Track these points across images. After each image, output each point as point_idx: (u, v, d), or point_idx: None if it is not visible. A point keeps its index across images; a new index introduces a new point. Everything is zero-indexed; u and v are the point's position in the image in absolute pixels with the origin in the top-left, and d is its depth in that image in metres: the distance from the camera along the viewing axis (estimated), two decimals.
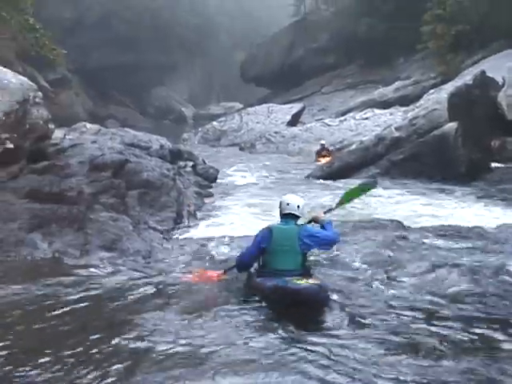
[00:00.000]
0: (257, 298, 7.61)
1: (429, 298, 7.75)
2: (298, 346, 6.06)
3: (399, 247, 10.61)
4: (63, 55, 29.68)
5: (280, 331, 6.44)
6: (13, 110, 13.86)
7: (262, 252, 8.16)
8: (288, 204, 8.39)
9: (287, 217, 8.35)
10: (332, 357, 5.81)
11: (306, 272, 8.07)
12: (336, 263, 9.75)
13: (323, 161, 29.01)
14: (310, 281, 7.44)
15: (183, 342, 6.21)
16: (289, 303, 7.02)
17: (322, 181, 22.94)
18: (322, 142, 31.63)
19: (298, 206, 8.36)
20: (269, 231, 8.20)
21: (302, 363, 5.63)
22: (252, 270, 8.50)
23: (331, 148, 31.70)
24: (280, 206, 8.51)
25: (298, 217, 8.37)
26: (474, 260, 9.39)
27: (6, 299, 7.83)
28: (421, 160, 21.27)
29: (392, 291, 8.04)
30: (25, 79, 15.40)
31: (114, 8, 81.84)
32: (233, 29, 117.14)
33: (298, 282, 7.30)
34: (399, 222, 13.11)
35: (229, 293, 8.16)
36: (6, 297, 7.93)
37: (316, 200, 18.15)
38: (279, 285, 7.29)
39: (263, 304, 7.38)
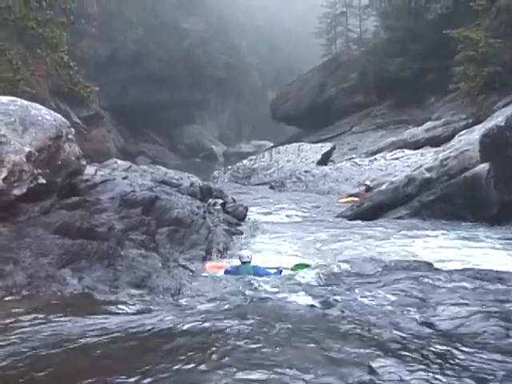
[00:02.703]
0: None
1: (459, 342, 7.63)
2: None
3: (430, 290, 10.50)
4: (96, 92, 29.99)
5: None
6: (46, 146, 14.00)
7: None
8: (243, 257, 14.05)
9: (245, 263, 13.94)
10: None
11: None
12: (367, 303, 9.67)
13: (347, 199, 29.10)
14: None
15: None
16: None
17: (350, 221, 22.80)
18: (367, 182, 31.48)
19: (248, 256, 14.05)
20: (238, 268, 13.89)
21: None
22: None
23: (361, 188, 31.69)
24: (240, 258, 14.17)
25: (249, 262, 13.98)
26: (506, 306, 9.24)
27: (36, 334, 7.83)
28: (452, 201, 21.11)
29: (425, 335, 7.92)
30: (58, 116, 15.57)
31: (146, 46, 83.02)
32: (263, 68, 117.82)
33: None
34: (429, 264, 13.00)
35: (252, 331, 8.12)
36: (35, 331, 7.93)
37: (340, 239, 18.31)
38: None
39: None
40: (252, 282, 11.95)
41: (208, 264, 15.37)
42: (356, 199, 28.02)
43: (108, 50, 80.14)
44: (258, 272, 13.66)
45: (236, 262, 14.68)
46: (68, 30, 28.00)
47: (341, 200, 30.19)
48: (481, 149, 21.06)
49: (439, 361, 6.86)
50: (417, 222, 21.02)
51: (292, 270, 14.00)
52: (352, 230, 20.36)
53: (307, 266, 14.11)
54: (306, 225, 22.77)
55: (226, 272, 13.98)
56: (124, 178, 18.40)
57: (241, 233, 19.83)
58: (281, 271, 13.96)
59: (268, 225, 22.86)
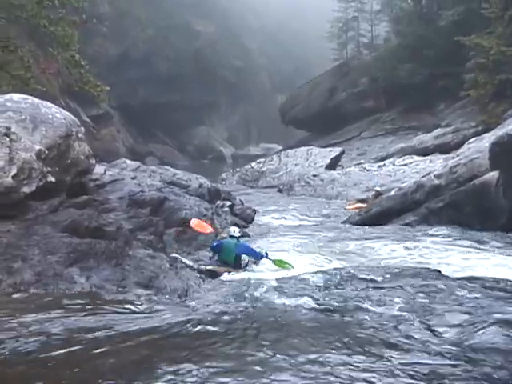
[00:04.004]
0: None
1: (466, 352, 7.60)
2: None
3: (437, 296, 10.49)
4: (106, 92, 29.96)
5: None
6: (56, 144, 14.07)
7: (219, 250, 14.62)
8: (232, 232, 15.00)
9: (232, 237, 14.78)
10: None
11: (237, 264, 14.49)
12: (373, 309, 9.66)
13: (354, 206, 28.98)
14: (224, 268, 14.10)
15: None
16: None
17: (358, 227, 22.71)
18: (378, 188, 31.32)
19: (234, 231, 15.02)
20: (222, 243, 14.77)
21: None
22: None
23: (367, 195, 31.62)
24: (228, 232, 15.22)
25: (237, 237, 14.84)
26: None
27: (43, 331, 7.86)
28: (460, 209, 21.03)
29: (429, 342, 7.91)
30: (68, 114, 15.66)
31: (156, 46, 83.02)
32: (273, 71, 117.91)
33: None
34: (437, 271, 12.97)
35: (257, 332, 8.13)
36: (42, 328, 7.96)
37: (347, 244, 18.35)
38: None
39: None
40: (259, 284, 11.98)
41: (193, 221, 16.08)
42: (364, 205, 27.90)
43: (119, 50, 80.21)
44: (241, 249, 14.75)
45: None
46: (80, 29, 27.93)
47: (349, 206, 30.09)
48: (490, 157, 20.99)
49: (442, 369, 6.87)
50: (425, 229, 20.94)
51: (273, 262, 15.04)
52: (359, 236, 20.32)
53: (286, 264, 15.02)
54: (313, 229, 22.74)
55: (212, 248, 15.04)
56: (133, 178, 18.48)
57: (248, 235, 19.82)
58: (266, 255, 15.07)
59: (275, 228, 22.88)
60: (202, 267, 13.93)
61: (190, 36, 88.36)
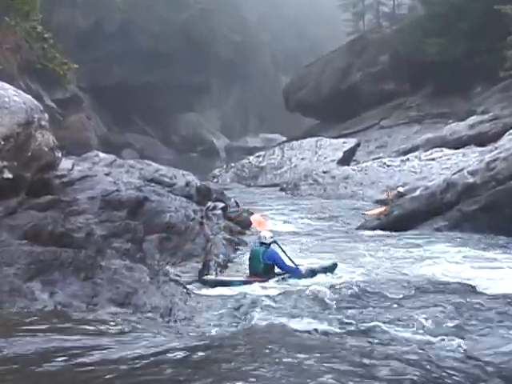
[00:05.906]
0: None
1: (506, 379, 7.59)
2: None
3: (471, 317, 10.48)
4: (74, 71, 29.82)
5: None
6: (13, 134, 13.99)
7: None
8: (260, 237, 15.71)
9: (261, 243, 15.44)
10: None
11: (266, 275, 15.02)
12: (393, 331, 9.65)
13: (375, 211, 28.79)
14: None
15: None
16: None
17: (376, 233, 22.65)
18: (400, 189, 31.14)
19: (265, 237, 15.58)
20: (250, 251, 15.92)
21: None
22: None
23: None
24: (259, 238, 15.75)
25: (268, 244, 15.39)
26: None
27: None
28: (499, 212, 20.98)
29: (467, 370, 7.87)
30: (29, 98, 15.56)
31: (136, 16, 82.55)
32: (276, 48, 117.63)
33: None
34: (471, 287, 12.96)
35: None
36: None
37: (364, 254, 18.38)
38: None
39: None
40: (256, 300, 11.99)
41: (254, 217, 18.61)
42: (384, 209, 27.73)
43: (90, 20, 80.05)
44: (268, 257, 15.19)
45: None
46: None
47: (368, 212, 29.92)
48: None
49: None
50: (456, 236, 20.93)
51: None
52: (378, 244, 20.31)
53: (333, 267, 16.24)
54: (323, 236, 22.72)
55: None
56: (107, 175, 18.50)
57: (245, 243, 19.82)
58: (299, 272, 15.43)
59: (277, 235, 22.83)
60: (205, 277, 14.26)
61: (177, 5, 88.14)
